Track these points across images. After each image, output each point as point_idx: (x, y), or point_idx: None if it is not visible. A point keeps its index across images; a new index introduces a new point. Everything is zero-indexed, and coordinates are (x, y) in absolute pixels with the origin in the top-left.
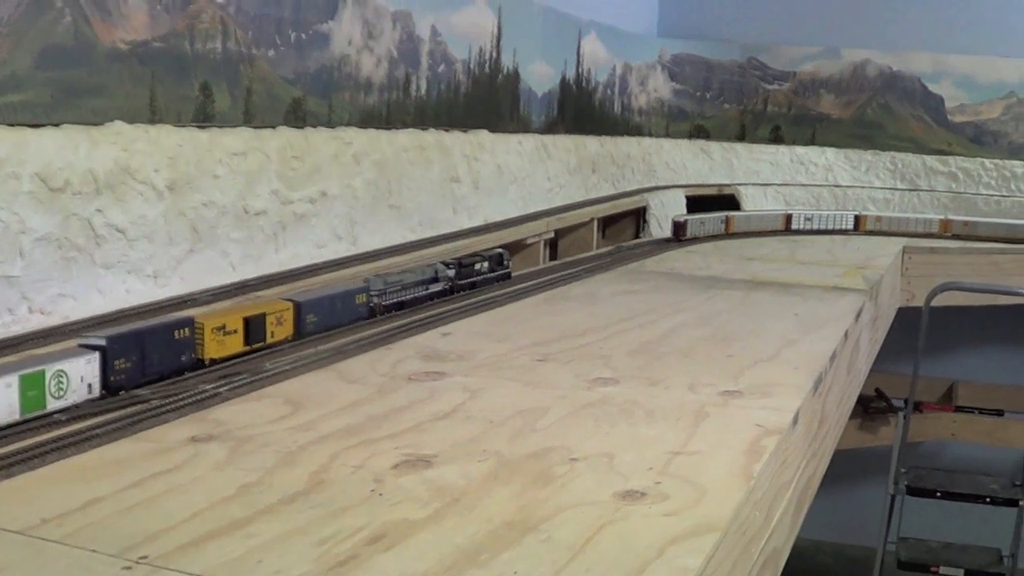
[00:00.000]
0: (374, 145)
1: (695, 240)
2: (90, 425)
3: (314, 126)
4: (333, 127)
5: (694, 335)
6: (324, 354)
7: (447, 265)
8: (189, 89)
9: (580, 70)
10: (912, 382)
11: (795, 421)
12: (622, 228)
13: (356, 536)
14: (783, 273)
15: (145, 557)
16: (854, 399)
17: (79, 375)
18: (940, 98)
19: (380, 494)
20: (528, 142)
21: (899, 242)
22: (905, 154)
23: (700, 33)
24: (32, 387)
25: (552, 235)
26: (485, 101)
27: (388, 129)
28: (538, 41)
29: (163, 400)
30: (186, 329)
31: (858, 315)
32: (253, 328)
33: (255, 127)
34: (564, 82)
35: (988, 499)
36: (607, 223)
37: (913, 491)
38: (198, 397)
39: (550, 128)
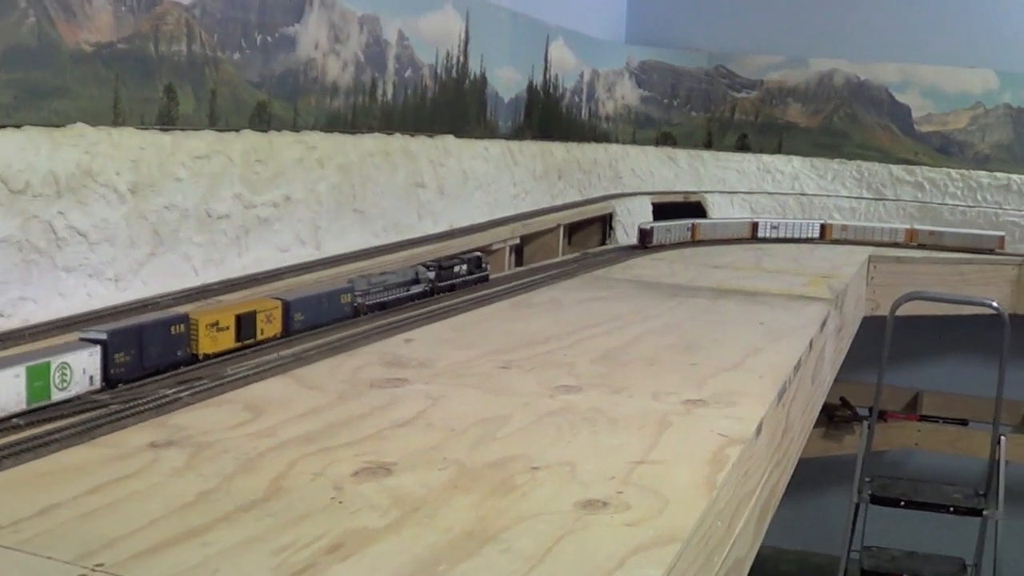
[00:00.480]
0: (339, 150)
1: (661, 247)
2: (57, 427)
3: (279, 130)
4: (298, 131)
5: (659, 343)
6: (287, 359)
7: (427, 267)
8: (153, 91)
9: (548, 76)
10: (876, 391)
11: (759, 431)
12: (588, 235)
13: (315, 545)
14: (749, 281)
15: (101, 565)
16: (819, 408)
17: (82, 367)
18: (907, 108)
19: (340, 502)
20: (494, 148)
21: (865, 251)
22: (871, 163)
23: (668, 41)
24: (38, 378)
25: (518, 241)
26: (452, 106)
27: (354, 133)
28: (506, 46)
29: (123, 405)
30: (182, 325)
31: (823, 324)
32: (244, 325)
33: (219, 130)
34: (531, 88)
35: (951, 508)
36: (573, 230)
37: (877, 500)
38: (158, 402)
39: (517, 134)
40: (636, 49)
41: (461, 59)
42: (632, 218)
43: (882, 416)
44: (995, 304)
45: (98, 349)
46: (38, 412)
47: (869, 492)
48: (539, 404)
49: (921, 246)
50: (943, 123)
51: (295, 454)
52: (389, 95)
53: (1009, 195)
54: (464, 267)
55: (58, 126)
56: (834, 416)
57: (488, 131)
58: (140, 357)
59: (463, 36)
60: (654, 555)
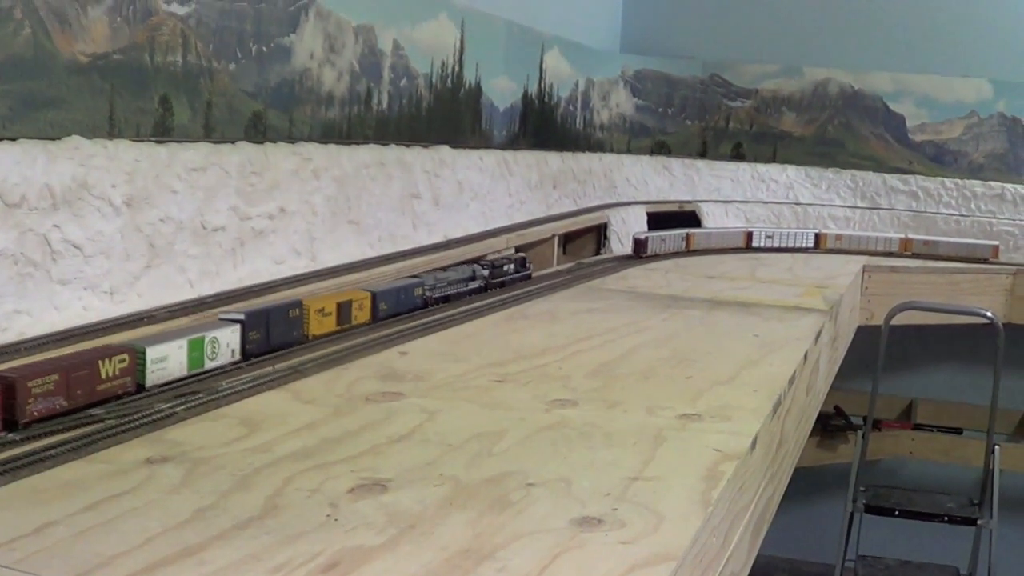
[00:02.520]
0: (334, 161)
1: (656, 257)
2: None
3: (274, 140)
4: (294, 141)
5: (653, 356)
6: (281, 372)
7: (482, 266)
8: (148, 102)
9: (543, 85)
10: (871, 400)
11: (753, 445)
12: (583, 244)
13: (311, 563)
14: (743, 292)
15: None
16: (813, 419)
17: (226, 342)
18: (901, 117)
19: (335, 519)
20: (489, 158)
21: (859, 260)
22: (866, 172)
23: (663, 49)
24: (195, 349)
25: (513, 251)
26: (447, 116)
27: (349, 143)
28: (501, 55)
29: (118, 420)
30: (297, 310)
31: (818, 336)
32: (343, 312)
33: (214, 142)
34: (526, 97)
35: (946, 518)
36: (568, 239)
37: (871, 509)
38: (154, 417)
39: (512, 143)
40: (631, 58)
41: (456, 68)
42: (627, 227)
43: (876, 425)
44: (989, 313)
45: (238, 327)
46: (195, 377)
47: (863, 501)
48: (534, 419)
49: (915, 255)
50: (937, 132)
51: (291, 470)
52: (384, 105)
53: (1003, 204)
54: (512, 266)
55: (54, 138)
56: (828, 425)
57: (483, 141)
58: (267, 335)
59: (458, 45)
60: (649, 573)
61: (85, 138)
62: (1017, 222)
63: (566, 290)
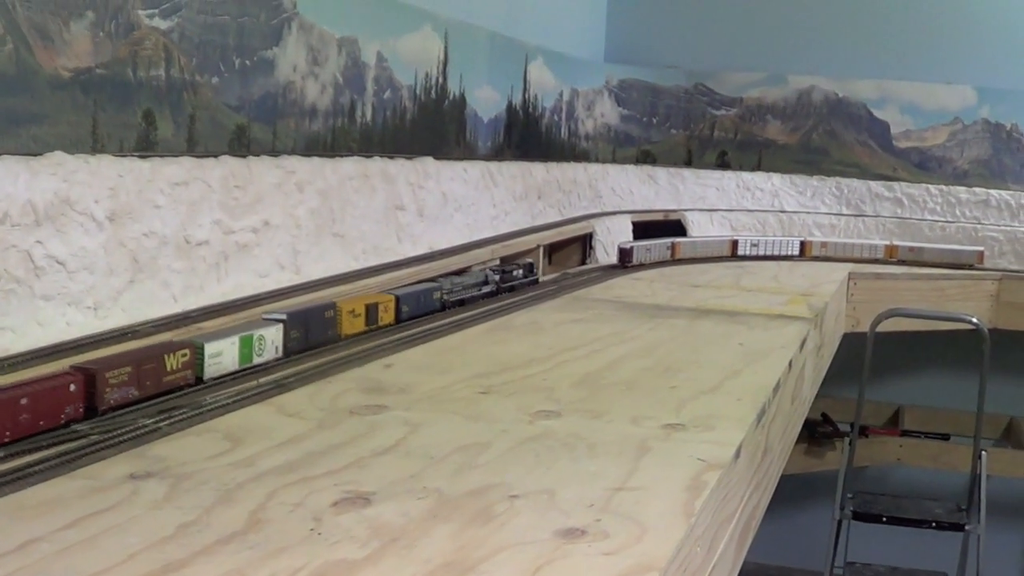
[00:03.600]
0: (317, 173)
1: (641, 266)
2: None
3: (258, 153)
4: (277, 154)
5: (638, 366)
6: (265, 386)
7: (494, 271)
8: (132, 116)
9: (527, 95)
10: (858, 407)
11: (737, 454)
12: (568, 254)
13: None
14: (728, 301)
15: None
16: (799, 427)
17: (271, 340)
18: (885, 124)
19: (319, 533)
20: (473, 169)
21: (844, 268)
22: (851, 180)
23: (647, 59)
24: (245, 346)
25: (497, 263)
26: (431, 127)
27: (333, 156)
28: (485, 66)
29: (102, 435)
30: (331, 311)
31: (802, 344)
32: (371, 313)
33: (197, 156)
34: (511, 107)
35: (934, 524)
36: (553, 249)
37: (859, 516)
38: (137, 432)
39: (496, 154)
40: (615, 68)
41: (440, 80)
42: (612, 237)
43: (863, 432)
44: (975, 320)
45: (281, 327)
46: (245, 371)
47: (851, 508)
48: (518, 430)
49: (901, 262)
50: (922, 139)
51: (274, 484)
52: (368, 117)
53: (988, 210)
54: (520, 271)
55: (36, 153)
56: (816, 432)
57: (467, 152)
58: (306, 334)
59: (442, 57)
60: None
61: (68, 153)
62: (1002, 228)
63: (551, 300)
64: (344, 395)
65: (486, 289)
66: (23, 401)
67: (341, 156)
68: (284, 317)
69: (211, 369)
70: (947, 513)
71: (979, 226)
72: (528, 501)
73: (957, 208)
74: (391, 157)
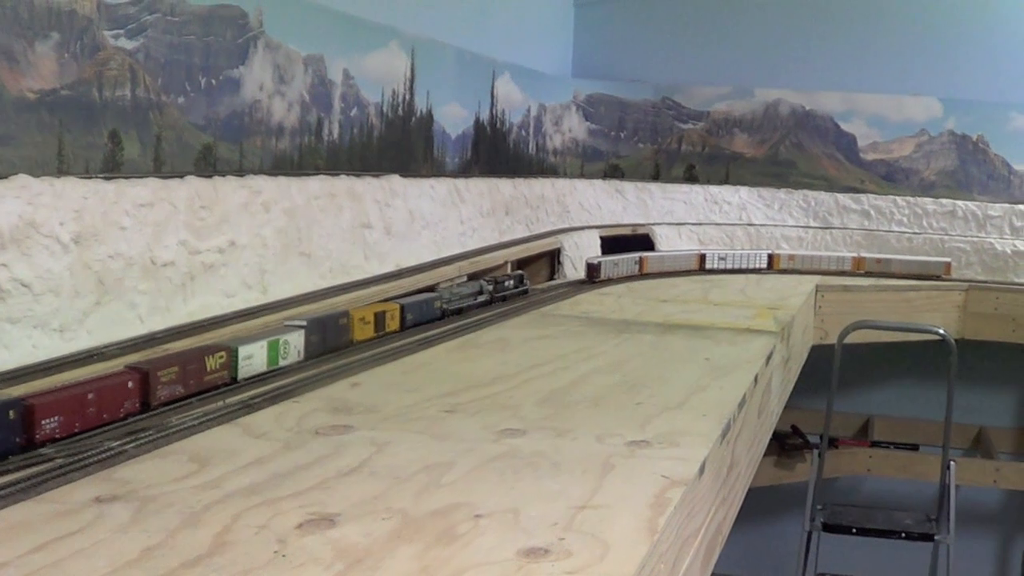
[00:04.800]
0: (283, 193)
1: (609, 281)
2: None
3: (224, 173)
4: (244, 174)
5: (604, 382)
6: (232, 406)
7: (488, 283)
8: (98, 137)
9: (494, 111)
10: (826, 419)
11: (701, 471)
12: (536, 270)
13: None
14: (695, 315)
15: None
16: (766, 441)
17: (294, 344)
18: (852, 136)
19: (283, 555)
20: (441, 186)
21: (812, 280)
22: (818, 192)
23: (614, 73)
24: (273, 349)
25: (465, 279)
26: (398, 144)
27: (299, 175)
28: (452, 83)
29: (67, 459)
30: (345, 318)
31: (769, 358)
32: (379, 320)
33: (163, 177)
34: (478, 123)
35: (903, 534)
36: (521, 265)
37: (829, 528)
38: (103, 455)
39: (464, 170)
40: (583, 83)
41: (407, 97)
42: (580, 252)
43: (833, 443)
44: (942, 331)
45: (302, 332)
46: (272, 372)
47: (821, 519)
48: (483, 449)
49: (868, 274)
50: (888, 151)
51: (240, 506)
52: (335, 135)
53: (955, 221)
54: (512, 282)
55: (2, 176)
56: (785, 444)
57: (435, 168)
58: (324, 339)
59: (408, 74)
60: None
61: (33, 176)
62: (969, 238)
63: (518, 317)
64: (311, 415)
65: (481, 299)
66: (90, 396)
67: (308, 175)
68: (305, 323)
69: (244, 370)
70: (917, 523)
71: (946, 237)
72: (492, 520)
73: (924, 219)
74: (358, 175)
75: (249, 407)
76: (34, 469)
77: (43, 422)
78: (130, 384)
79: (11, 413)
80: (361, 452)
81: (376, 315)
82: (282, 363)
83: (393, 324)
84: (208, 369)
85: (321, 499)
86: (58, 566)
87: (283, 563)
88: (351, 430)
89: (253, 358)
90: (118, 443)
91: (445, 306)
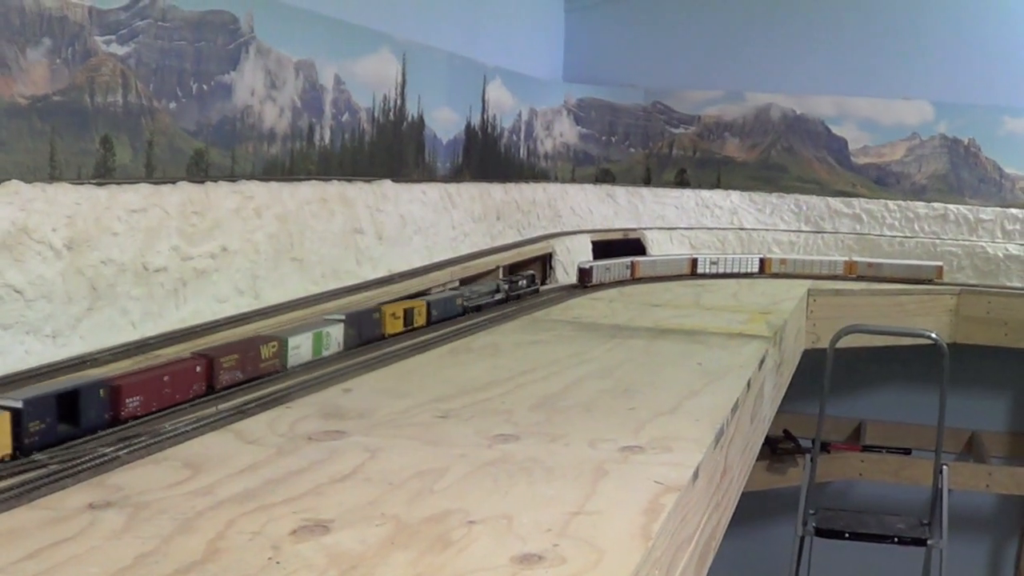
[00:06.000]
0: (275, 198)
1: (601, 286)
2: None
3: (216, 178)
4: (235, 179)
5: (596, 387)
6: (226, 412)
7: (504, 282)
8: (90, 143)
9: (485, 116)
10: (819, 423)
11: (695, 476)
12: None
13: None
14: (687, 320)
15: None
16: (759, 446)
17: (334, 336)
18: (843, 140)
19: (277, 562)
20: (432, 191)
21: (804, 284)
22: (809, 196)
23: (605, 78)
24: (317, 340)
25: (457, 284)
26: (389, 149)
27: (291, 180)
28: (443, 87)
29: (62, 465)
30: (377, 313)
31: (761, 363)
32: (408, 315)
33: (155, 182)
34: (469, 128)
35: (896, 539)
36: (513, 270)
37: (821, 532)
38: (97, 461)
39: (456, 175)
40: (574, 87)
41: (398, 102)
42: (572, 257)
43: (825, 447)
44: (934, 335)
45: (342, 325)
46: (316, 361)
47: (813, 524)
48: (476, 455)
49: (860, 278)
50: (880, 155)
51: (233, 513)
52: (327, 140)
53: (946, 225)
54: (524, 282)
55: None
56: (777, 448)
57: (426, 173)
58: (359, 332)
59: (400, 79)
60: None
61: (25, 182)
62: (961, 242)
63: (510, 322)
64: (303, 421)
65: (498, 296)
66: (166, 378)
67: (299, 180)
68: (343, 317)
69: (292, 359)
70: (909, 528)
71: (938, 241)
72: (486, 527)
73: (916, 223)
74: (349, 180)
75: (242, 412)
76: (27, 475)
77: (127, 400)
78: (198, 368)
79: (101, 392)
80: (354, 458)
81: (405, 311)
82: (324, 353)
83: (420, 319)
84: (263, 357)
85: (315, 505)
86: (51, 573)
87: (277, 570)
88: (344, 436)
89: (300, 348)
90: (111, 449)
91: (466, 303)
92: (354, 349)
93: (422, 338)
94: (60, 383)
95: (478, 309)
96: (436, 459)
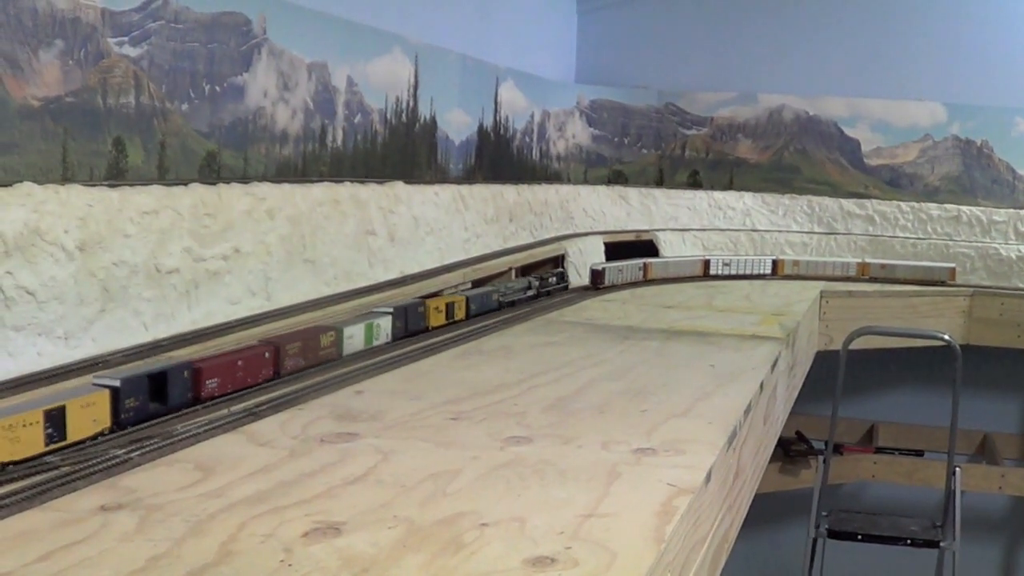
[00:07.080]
0: (287, 200)
1: (613, 288)
2: (9, 491)
3: (228, 180)
4: (248, 180)
5: (609, 389)
6: (237, 415)
7: (535, 279)
8: (102, 144)
9: (498, 118)
10: (831, 425)
11: (708, 478)
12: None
13: None
14: (700, 322)
15: None
16: (771, 448)
17: (384, 327)
18: (856, 142)
19: (289, 565)
20: (445, 192)
21: (817, 286)
22: (822, 198)
23: (618, 79)
24: (369, 331)
25: (469, 286)
26: (402, 151)
27: (303, 182)
28: (455, 89)
29: (73, 467)
30: (422, 307)
31: (774, 365)
32: (449, 309)
33: (167, 184)
34: (482, 130)
35: (908, 541)
36: (525, 272)
37: (834, 534)
38: (109, 463)
39: (468, 176)
40: (586, 88)
41: (411, 103)
42: (584, 258)
43: (838, 449)
44: (946, 336)
45: (390, 317)
46: (369, 350)
47: (826, 526)
48: (489, 457)
49: (873, 279)
50: (892, 156)
51: (245, 515)
52: (339, 141)
53: (959, 226)
54: (554, 278)
55: (7, 183)
56: (790, 450)
57: (439, 175)
58: (406, 324)
59: (412, 80)
60: None
61: (38, 183)
62: (973, 244)
63: (523, 323)
64: (315, 423)
65: (529, 293)
66: (239, 363)
67: (311, 182)
68: (391, 310)
69: (347, 347)
70: (922, 530)
71: (951, 242)
72: (498, 529)
73: (928, 225)
74: (362, 182)
75: (253, 415)
76: (39, 477)
77: (207, 382)
78: (267, 355)
79: (186, 373)
80: (367, 460)
81: (447, 305)
82: (375, 343)
83: (460, 313)
84: (322, 345)
85: (327, 507)
86: (63, 575)
87: (289, 572)
88: (356, 438)
89: (354, 338)
90: (123, 451)
91: (501, 299)
92: (401, 339)
93: (464, 330)
94: (150, 364)
95: (512, 304)
96: (449, 461)
